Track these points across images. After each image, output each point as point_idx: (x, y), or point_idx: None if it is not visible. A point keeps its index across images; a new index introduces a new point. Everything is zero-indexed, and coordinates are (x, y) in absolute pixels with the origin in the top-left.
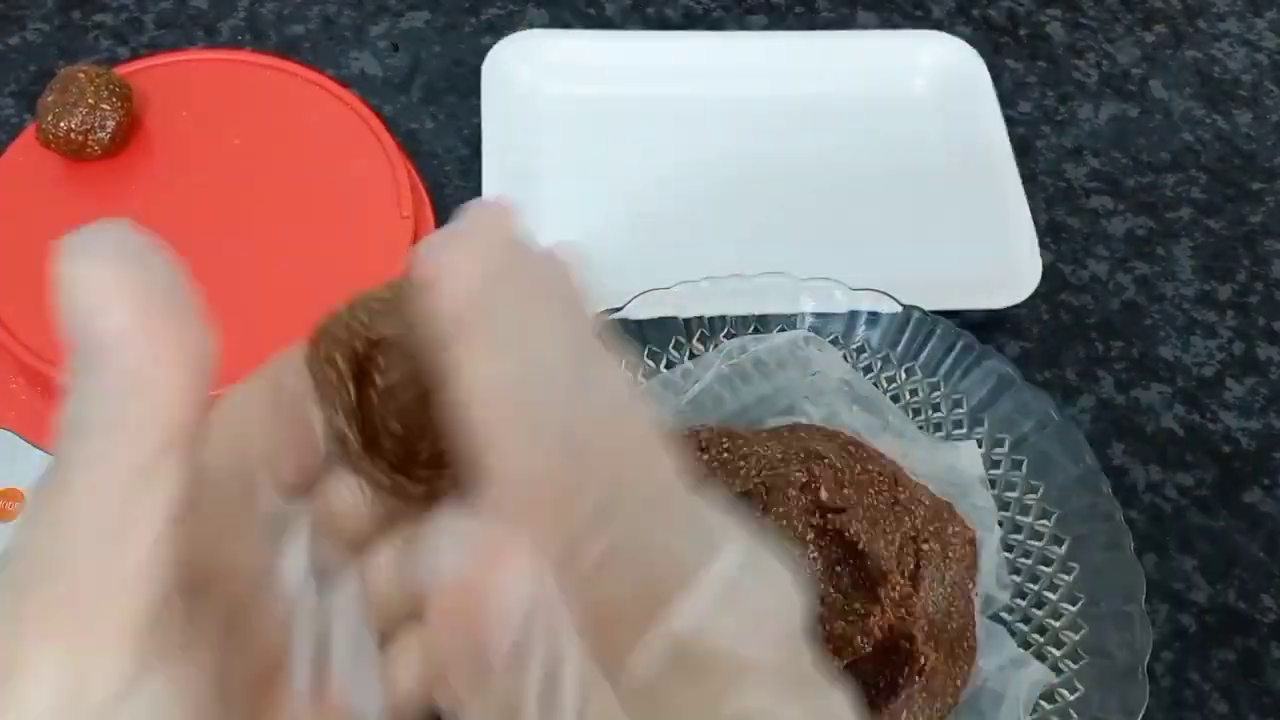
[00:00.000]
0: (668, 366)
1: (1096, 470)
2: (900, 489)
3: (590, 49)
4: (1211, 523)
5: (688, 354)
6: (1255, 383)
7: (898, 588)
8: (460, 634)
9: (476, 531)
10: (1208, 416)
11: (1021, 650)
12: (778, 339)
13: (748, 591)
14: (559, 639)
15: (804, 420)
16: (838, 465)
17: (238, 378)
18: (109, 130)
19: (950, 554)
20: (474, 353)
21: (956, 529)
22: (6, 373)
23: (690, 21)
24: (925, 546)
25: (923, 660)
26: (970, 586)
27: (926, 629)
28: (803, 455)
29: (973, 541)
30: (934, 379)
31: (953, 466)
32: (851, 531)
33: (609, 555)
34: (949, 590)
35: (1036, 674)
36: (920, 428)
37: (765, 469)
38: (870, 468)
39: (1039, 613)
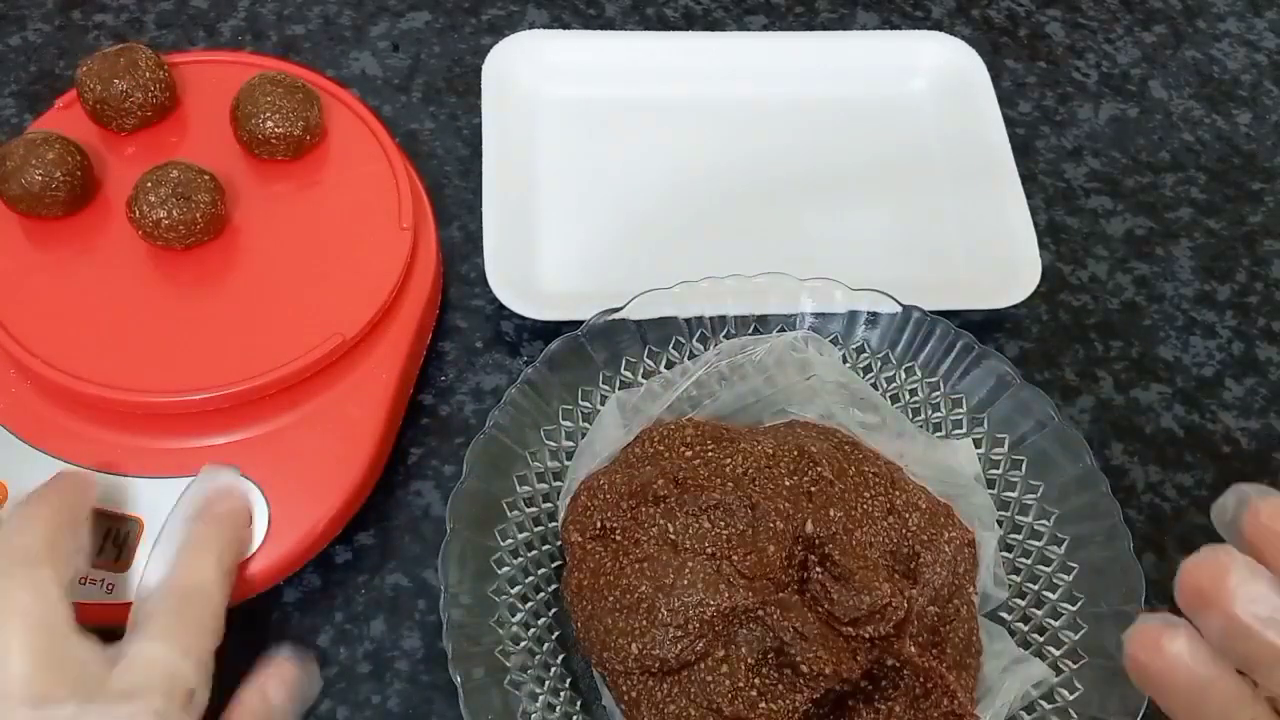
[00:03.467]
0: (668, 366)
1: (1096, 470)
2: (896, 493)
3: (590, 49)
4: (1211, 523)
5: (688, 354)
6: (1255, 383)
7: (890, 610)
8: None
9: None
10: (1207, 416)
11: (1021, 650)
12: (776, 339)
13: None
14: None
15: (801, 417)
16: (828, 475)
17: (232, 379)
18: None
19: (948, 557)
20: None
21: (953, 533)
22: (3, 365)
23: (690, 21)
24: (923, 551)
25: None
26: (971, 590)
27: (932, 648)
28: (795, 454)
29: (972, 544)
30: (933, 379)
31: (950, 466)
32: (836, 564)
33: None
34: (949, 594)
35: (1036, 672)
36: (919, 427)
37: (753, 467)
38: (866, 469)
39: (1038, 612)
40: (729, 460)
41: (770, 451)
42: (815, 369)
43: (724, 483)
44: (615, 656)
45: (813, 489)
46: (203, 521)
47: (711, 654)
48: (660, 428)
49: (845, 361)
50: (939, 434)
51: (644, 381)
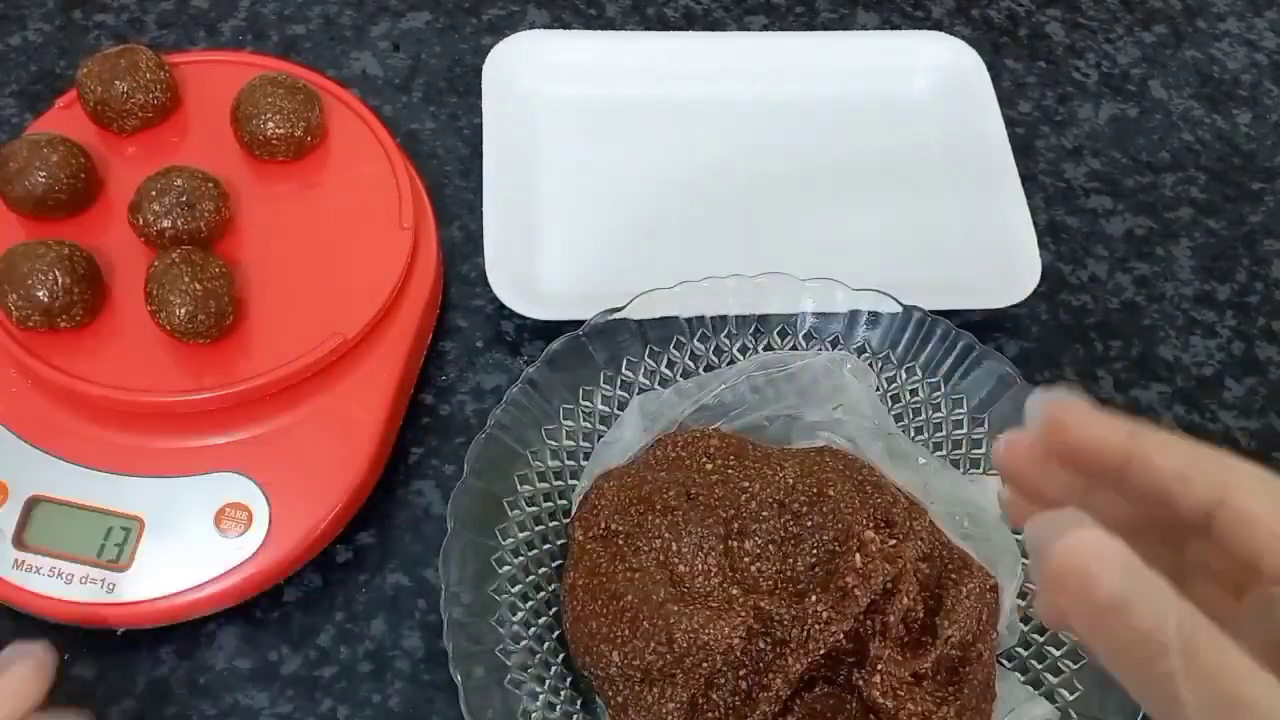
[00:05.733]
0: (668, 366)
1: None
2: (915, 540)
3: (590, 49)
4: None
5: (688, 353)
6: (1255, 383)
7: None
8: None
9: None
10: (1207, 416)
11: (1029, 689)
12: (814, 358)
13: None
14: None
15: (832, 443)
16: (831, 544)
17: (232, 379)
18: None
19: (969, 608)
20: None
21: (972, 583)
22: (3, 364)
23: (690, 21)
24: (936, 599)
25: None
26: (994, 635)
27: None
28: (813, 493)
29: (994, 589)
30: (934, 379)
31: (976, 504)
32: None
33: None
34: (972, 639)
35: (1042, 713)
36: (919, 429)
37: (769, 498)
38: (879, 519)
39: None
40: (747, 484)
41: (790, 483)
42: (847, 395)
43: (737, 512)
44: (597, 662)
45: (814, 553)
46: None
47: (696, 668)
48: (684, 434)
49: (876, 391)
50: (940, 434)
51: (646, 382)
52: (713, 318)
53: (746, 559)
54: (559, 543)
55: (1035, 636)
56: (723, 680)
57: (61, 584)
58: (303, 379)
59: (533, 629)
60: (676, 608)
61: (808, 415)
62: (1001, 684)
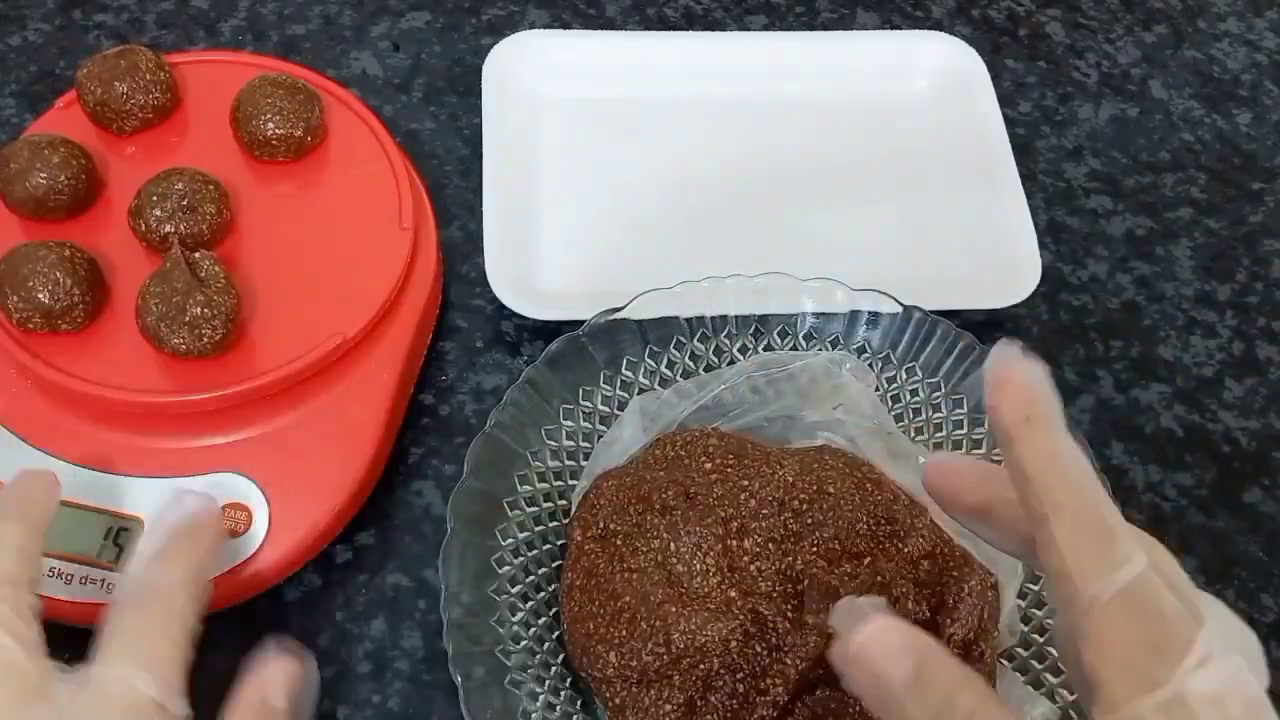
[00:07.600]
0: (668, 366)
1: (1096, 470)
2: (910, 541)
3: (590, 49)
4: (1211, 523)
5: (688, 353)
6: (1255, 383)
7: None
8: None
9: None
10: (1207, 416)
11: (1029, 689)
12: (813, 359)
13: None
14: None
15: (832, 442)
16: (832, 538)
17: (232, 379)
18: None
19: (970, 606)
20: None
21: (974, 581)
22: (3, 365)
23: (690, 21)
24: (940, 605)
25: None
26: (995, 632)
27: None
28: (813, 491)
29: (995, 587)
30: (934, 379)
31: None
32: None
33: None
34: (975, 637)
35: (1041, 712)
36: (919, 429)
37: (769, 497)
38: (880, 516)
39: (1039, 613)
40: (746, 483)
41: (790, 481)
42: (847, 394)
43: (736, 511)
44: (594, 663)
45: (814, 550)
46: (174, 537)
47: (693, 669)
48: (684, 434)
49: (875, 392)
50: (940, 434)
51: (646, 382)
52: (713, 318)
53: (746, 558)
54: (559, 543)
55: (1035, 637)
56: (720, 683)
57: (61, 584)
58: (303, 379)
59: (533, 629)
60: (674, 608)
61: (807, 415)
62: (1001, 684)
